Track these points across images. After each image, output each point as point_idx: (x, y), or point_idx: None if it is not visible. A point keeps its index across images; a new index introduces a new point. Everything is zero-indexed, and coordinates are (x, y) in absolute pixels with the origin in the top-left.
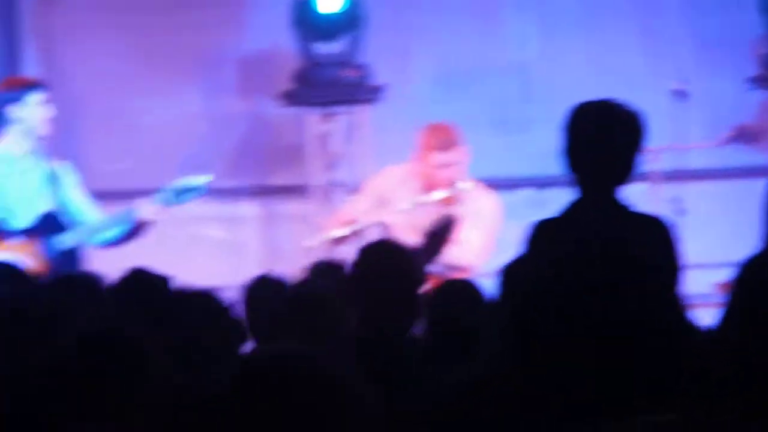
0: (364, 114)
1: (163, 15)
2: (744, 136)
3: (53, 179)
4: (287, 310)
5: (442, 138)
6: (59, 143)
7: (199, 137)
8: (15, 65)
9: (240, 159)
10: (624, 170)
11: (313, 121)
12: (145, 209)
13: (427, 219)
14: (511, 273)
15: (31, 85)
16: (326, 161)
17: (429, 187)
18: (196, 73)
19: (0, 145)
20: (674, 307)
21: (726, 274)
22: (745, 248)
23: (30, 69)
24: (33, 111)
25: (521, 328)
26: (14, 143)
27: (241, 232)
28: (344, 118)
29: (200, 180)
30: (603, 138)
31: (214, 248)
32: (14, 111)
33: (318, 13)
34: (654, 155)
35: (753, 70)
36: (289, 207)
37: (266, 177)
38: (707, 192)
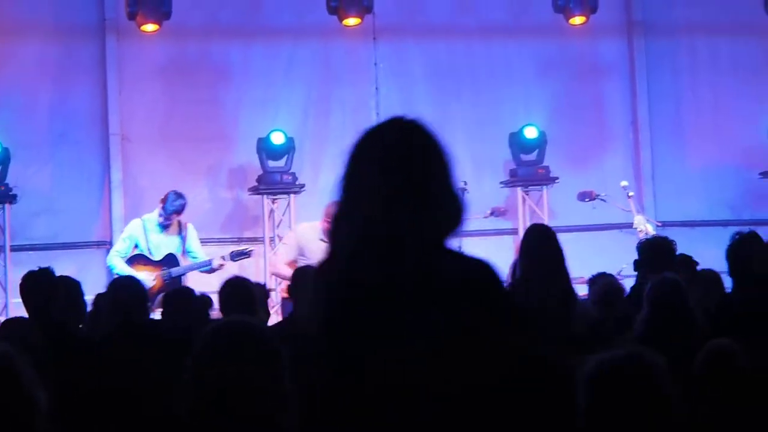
0: (293, 199)
1: (195, 143)
2: (496, 213)
3: (182, 234)
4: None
5: None
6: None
7: (205, 211)
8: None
9: (227, 222)
10: None
11: (267, 203)
12: (216, 262)
13: None
14: None
15: (169, 205)
16: (273, 224)
17: None
18: (207, 177)
19: (154, 215)
20: None
21: None
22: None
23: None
24: (157, 215)
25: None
26: (156, 218)
27: (228, 262)
28: (284, 201)
29: (246, 249)
30: None
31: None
32: (158, 207)
33: (272, 144)
34: None
35: (506, 176)
36: (255, 248)
37: (242, 232)
38: (477, 243)
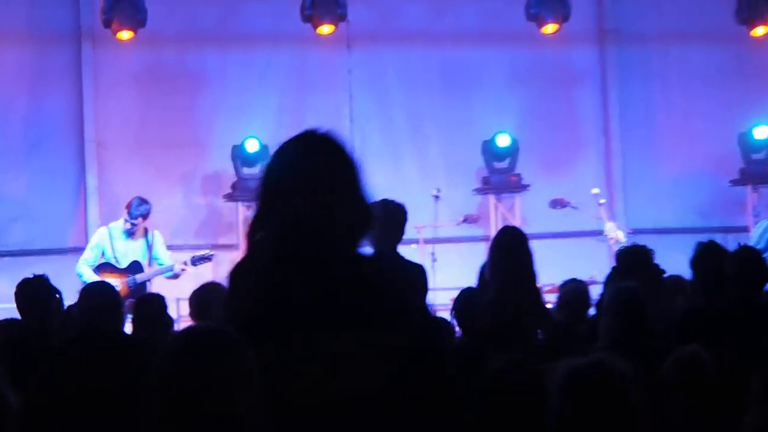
0: None
1: (170, 150)
2: (469, 220)
3: (148, 241)
4: None
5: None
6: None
7: (180, 217)
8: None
9: (202, 229)
10: (400, 236)
11: (242, 209)
12: (178, 267)
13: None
14: None
15: (136, 210)
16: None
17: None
18: (181, 183)
19: (119, 223)
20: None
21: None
22: (472, 280)
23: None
24: (124, 223)
25: None
26: (122, 225)
27: (204, 268)
28: None
29: (207, 254)
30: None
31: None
32: (124, 214)
33: (246, 151)
34: (420, 230)
35: (478, 183)
36: (228, 256)
37: (216, 239)
38: (450, 249)
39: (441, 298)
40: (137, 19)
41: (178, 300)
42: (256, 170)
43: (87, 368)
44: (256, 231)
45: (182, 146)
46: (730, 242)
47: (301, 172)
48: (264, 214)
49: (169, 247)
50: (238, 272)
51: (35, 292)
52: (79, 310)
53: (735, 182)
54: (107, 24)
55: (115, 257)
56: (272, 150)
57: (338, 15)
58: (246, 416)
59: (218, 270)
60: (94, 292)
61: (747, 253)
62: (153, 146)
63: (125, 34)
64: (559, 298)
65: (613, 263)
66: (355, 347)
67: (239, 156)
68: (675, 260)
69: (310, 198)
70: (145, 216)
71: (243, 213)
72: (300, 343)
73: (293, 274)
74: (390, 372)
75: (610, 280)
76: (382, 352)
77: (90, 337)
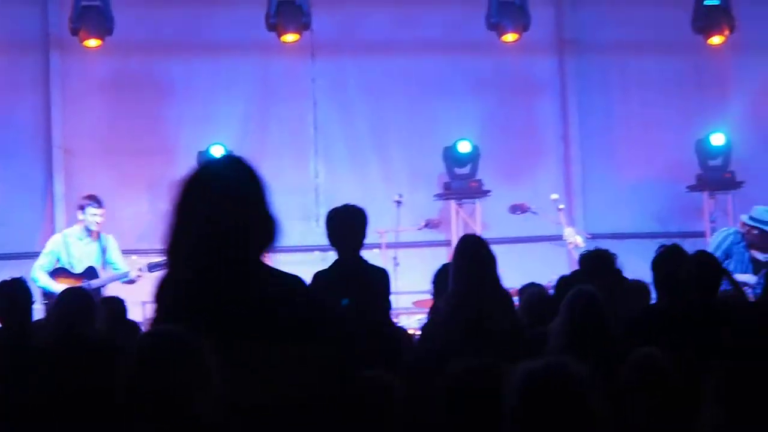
0: None
1: (137, 157)
2: (430, 225)
3: (103, 246)
4: None
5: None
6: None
7: (146, 224)
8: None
9: None
10: (361, 241)
11: None
12: (133, 273)
13: None
14: None
15: (92, 201)
16: None
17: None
18: (148, 190)
19: (74, 229)
20: (387, 309)
21: (421, 297)
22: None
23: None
24: (89, 216)
25: None
26: (81, 229)
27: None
28: None
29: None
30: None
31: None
32: (80, 214)
33: (211, 157)
34: (383, 234)
35: (440, 189)
36: None
37: None
38: (412, 254)
39: (403, 302)
40: (105, 28)
41: (143, 303)
42: None
43: (68, 370)
44: (173, 246)
45: (149, 153)
46: (687, 247)
47: (214, 192)
48: (181, 230)
49: (135, 252)
50: (161, 286)
51: (15, 295)
52: (56, 314)
53: (692, 188)
54: (75, 32)
55: (70, 263)
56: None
57: (302, 24)
58: (203, 416)
59: None
60: (70, 298)
61: (704, 257)
62: (120, 153)
63: (93, 43)
64: (519, 302)
65: (573, 267)
66: (265, 358)
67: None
68: (633, 265)
69: (224, 215)
70: (97, 208)
71: None
72: (216, 353)
73: (210, 285)
74: (301, 382)
75: (563, 284)
76: (294, 362)
77: (68, 340)
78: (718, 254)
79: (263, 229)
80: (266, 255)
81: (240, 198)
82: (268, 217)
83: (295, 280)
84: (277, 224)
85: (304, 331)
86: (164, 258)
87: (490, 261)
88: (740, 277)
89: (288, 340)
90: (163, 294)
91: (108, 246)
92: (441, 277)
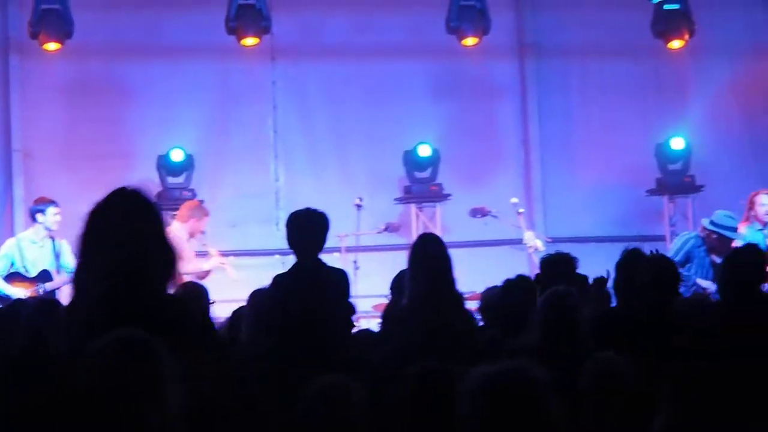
0: None
1: (96, 160)
2: (390, 228)
3: (56, 251)
4: None
5: None
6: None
7: None
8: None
9: None
10: (322, 244)
11: (167, 219)
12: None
13: None
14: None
15: (50, 202)
16: None
17: None
18: (107, 193)
19: (28, 233)
20: (348, 315)
21: (381, 301)
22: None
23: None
24: (50, 217)
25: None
26: (36, 233)
27: None
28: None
29: None
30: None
31: None
32: (40, 216)
33: (172, 161)
34: (343, 238)
35: (400, 192)
36: None
37: None
38: (372, 257)
39: (363, 306)
40: (64, 31)
41: None
42: (181, 180)
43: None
44: (80, 275)
45: (108, 157)
46: (648, 251)
47: (115, 225)
48: (86, 260)
49: None
50: (69, 311)
51: None
52: (25, 320)
53: (651, 192)
54: (34, 36)
55: (24, 266)
56: (197, 160)
57: (262, 27)
58: (157, 423)
59: None
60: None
61: (661, 261)
62: (79, 157)
63: (52, 46)
64: (481, 305)
65: (534, 271)
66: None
67: (164, 166)
68: (593, 268)
69: (125, 246)
70: (49, 207)
71: (168, 222)
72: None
73: (109, 313)
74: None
75: (508, 287)
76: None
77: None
78: (678, 258)
79: (161, 258)
80: (167, 283)
81: (138, 230)
82: (165, 246)
83: (185, 305)
84: (175, 254)
85: (196, 351)
86: (73, 287)
87: (447, 260)
88: (702, 283)
89: (181, 361)
90: (70, 319)
91: (62, 250)
92: (398, 283)
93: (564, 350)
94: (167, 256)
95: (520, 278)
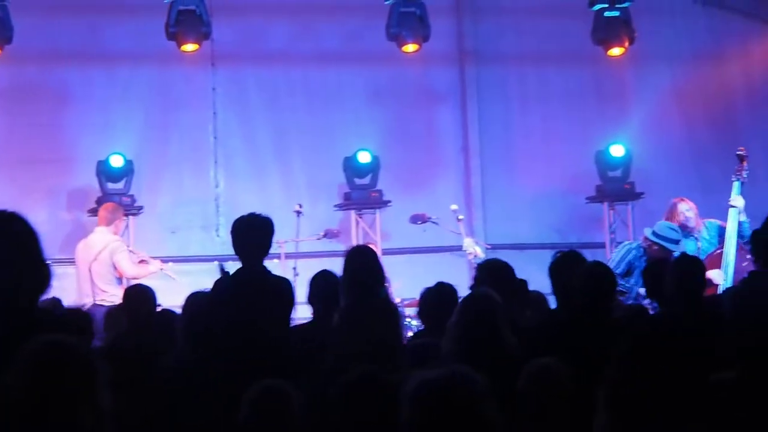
0: (132, 221)
1: (35, 166)
2: (330, 234)
3: None
4: None
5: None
6: None
7: (44, 233)
8: None
9: (66, 243)
10: (267, 250)
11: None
12: None
13: None
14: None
15: None
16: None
17: None
18: (46, 199)
19: None
20: (286, 320)
21: None
22: None
23: None
24: None
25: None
26: None
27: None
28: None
29: None
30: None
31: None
32: None
33: (111, 166)
34: (282, 245)
35: (340, 199)
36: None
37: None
38: (311, 264)
39: (302, 312)
40: (4, 36)
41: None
42: (121, 186)
43: None
44: None
45: (47, 162)
46: (587, 258)
47: None
48: None
49: None
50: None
51: None
52: None
53: (591, 199)
54: None
55: None
56: (137, 166)
57: (202, 33)
58: (91, 427)
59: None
60: None
61: (597, 268)
62: (18, 162)
63: None
64: (420, 307)
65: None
66: None
67: (104, 171)
68: (532, 275)
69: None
70: None
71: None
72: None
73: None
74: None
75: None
76: None
77: None
78: (621, 268)
79: (35, 277)
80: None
81: (12, 249)
82: (41, 265)
83: (61, 324)
84: (50, 272)
85: None
86: None
87: (375, 272)
88: (643, 292)
89: None
90: None
91: None
92: (317, 284)
93: (487, 354)
94: (42, 275)
95: (440, 285)
